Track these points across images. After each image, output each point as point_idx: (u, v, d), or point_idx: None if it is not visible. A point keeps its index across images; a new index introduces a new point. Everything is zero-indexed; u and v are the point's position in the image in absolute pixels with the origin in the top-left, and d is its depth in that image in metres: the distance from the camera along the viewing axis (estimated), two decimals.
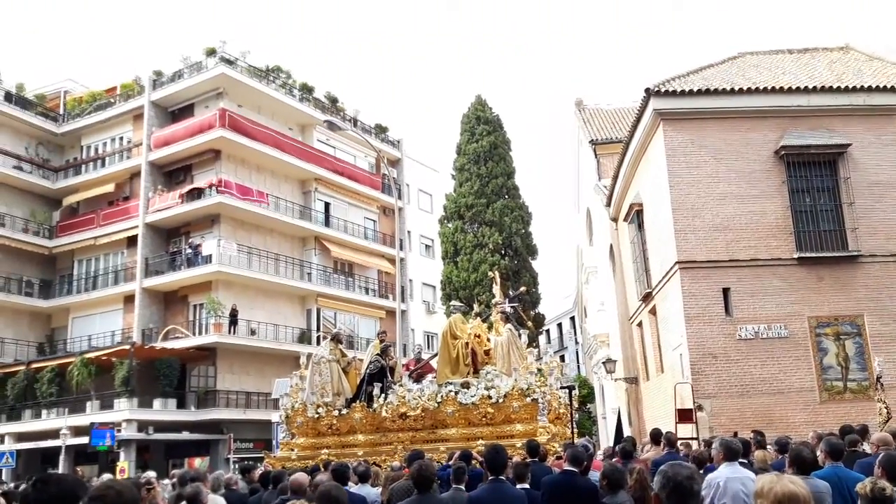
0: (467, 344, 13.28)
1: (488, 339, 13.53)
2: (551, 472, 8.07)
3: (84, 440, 25.37)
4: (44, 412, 29.80)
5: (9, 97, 34.37)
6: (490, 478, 6.41)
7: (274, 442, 20.42)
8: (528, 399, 12.05)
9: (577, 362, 49.67)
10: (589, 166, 29.81)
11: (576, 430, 13.75)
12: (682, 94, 17.98)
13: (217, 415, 29.12)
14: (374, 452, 12.16)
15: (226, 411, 29.35)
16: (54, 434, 26.50)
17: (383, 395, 13.25)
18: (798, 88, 18.01)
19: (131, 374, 27.86)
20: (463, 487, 7.00)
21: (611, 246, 26.89)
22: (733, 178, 17.63)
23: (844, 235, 17.48)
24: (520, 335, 13.66)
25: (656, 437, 10.31)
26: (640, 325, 23.13)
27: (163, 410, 28.63)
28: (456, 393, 12.48)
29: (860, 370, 16.62)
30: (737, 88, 18.04)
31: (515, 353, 12.84)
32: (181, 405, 29.55)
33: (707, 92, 18.00)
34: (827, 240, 17.50)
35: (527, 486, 7.12)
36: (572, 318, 50.71)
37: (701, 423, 15.91)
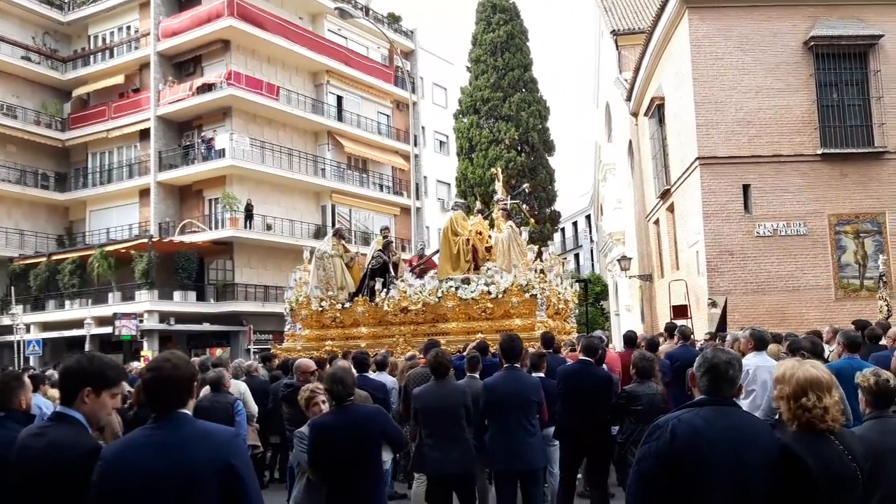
0: (468, 241, 13.34)
1: (490, 237, 13.54)
2: (565, 363, 8.17)
3: (107, 330, 26.04)
4: (67, 303, 30.51)
5: None
6: (505, 365, 6.47)
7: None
8: (527, 295, 12.19)
9: (592, 260, 49.93)
10: (609, 59, 28.94)
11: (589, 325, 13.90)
12: None
13: (236, 307, 29.69)
14: (377, 344, 12.44)
15: (244, 304, 29.91)
16: (78, 324, 27.18)
17: (385, 289, 13.44)
18: None
19: (151, 267, 28.25)
20: (477, 375, 7.11)
21: (630, 142, 26.46)
22: (759, 70, 17.07)
23: (871, 131, 17.06)
24: (521, 232, 13.64)
25: (671, 330, 10.39)
26: (656, 222, 23.03)
27: (183, 302, 29.20)
28: (456, 288, 12.67)
29: (878, 268, 16.54)
30: None
31: (516, 250, 12.90)
32: (200, 297, 30.10)
33: None
34: (852, 135, 17.09)
35: (542, 374, 7.22)
36: (588, 217, 50.60)
37: (714, 320, 16.03)
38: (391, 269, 14.15)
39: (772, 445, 2.98)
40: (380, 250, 14.40)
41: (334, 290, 14.04)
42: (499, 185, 15.34)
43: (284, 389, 7.56)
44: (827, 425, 2.96)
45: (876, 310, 14.95)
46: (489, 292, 12.42)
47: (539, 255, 13.76)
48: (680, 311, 19.10)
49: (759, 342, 6.70)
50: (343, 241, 15.09)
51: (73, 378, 3.08)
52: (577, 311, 15.31)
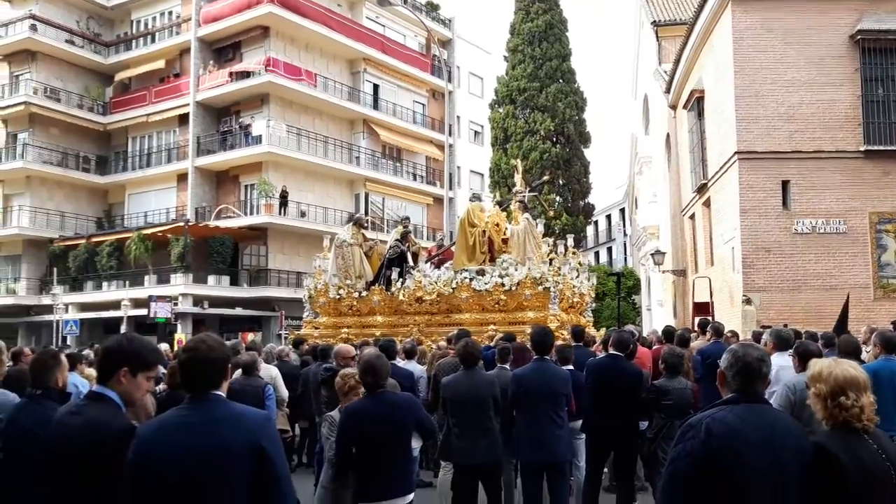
0: (484, 232, 13.35)
1: (506, 229, 13.52)
2: (595, 357, 8.14)
3: (143, 311, 26.51)
4: (104, 284, 31.12)
5: None
6: (535, 357, 6.46)
7: None
8: (541, 287, 12.16)
9: (625, 254, 49.49)
10: (649, 50, 28.59)
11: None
12: None
13: (269, 292, 30.02)
14: (392, 333, 12.51)
15: (277, 289, 30.22)
16: (115, 305, 27.73)
17: (401, 279, 13.51)
18: None
19: (186, 251, 28.68)
20: (508, 366, 7.11)
21: (667, 135, 26.15)
22: (802, 64, 16.72)
23: None
24: (536, 224, 13.60)
25: (703, 326, 10.28)
26: (692, 217, 22.75)
27: (217, 286, 29.60)
28: (471, 279, 12.70)
29: None
30: None
31: (531, 243, 12.87)
32: (234, 282, 30.50)
33: None
34: None
35: (571, 367, 7.19)
36: (622, 210, 50.14)
37: (748, 317, 15.82)
38: (409, 259, 14.23)
39: (806, 444, 2.95)
40: (398, 240, 14.49)
41: (352, 278, 14.18)
42: (518, 178, 15.32)
43: (325, 373, 7.62)
44: (863, 424, 2.93)
45: None
46: (503, 284, 12.44)
47: (554, 247, 13.70)
48: (702, 307, 18.87)
49: (783, 342, 6.57)
50: (362, 230, 15.19)
51: (112, 358, 3.15)
52: (593, 304, 15.22)
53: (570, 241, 14.45)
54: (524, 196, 14.48)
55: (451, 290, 12.83)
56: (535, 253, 12.82)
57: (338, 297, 14.04)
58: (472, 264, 13.07)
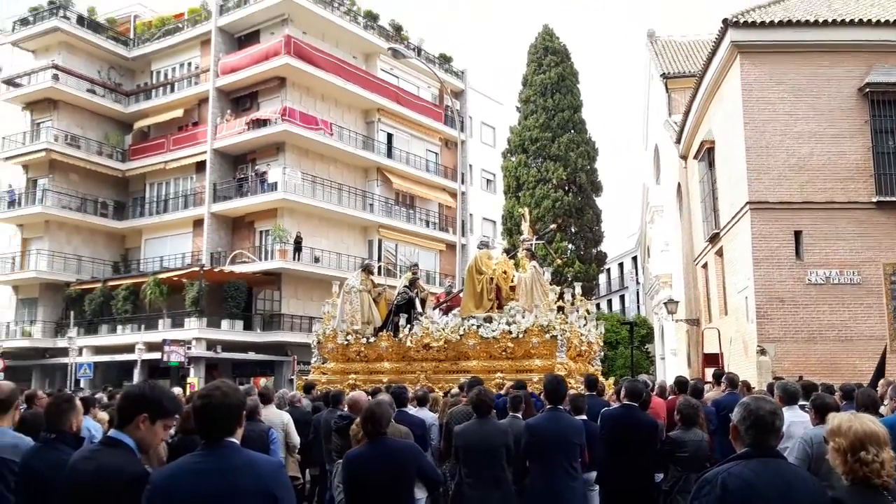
0: (492, 279, 13.38)
1: (514, 276, 13.57)
2: (608, 406, 8.08)
3: (157, 355, 26.54)
4: (119, 328, 31.24)
5: (81, 20, 34.94)
6: (548, 407, 6.43)
7: None
8: (548, 335, 12.15)
9: (638, 302, 49.24)
10: (659, 101, 28.91)
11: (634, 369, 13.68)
12: (762, 25, 17.11)
13: (281, 337, 30.02)
14: (400, 380, 12.49)
15: (290, 334, 30.22)
16: (129, 348, 27.80)
17: (409, 325, 13.54)
18: (887, 21, 16.96)
19: (201, 295, 28.84)
20: (520, 416, 7.07)
21: (678, 185, 26.26)
22: (812, 116, 16.86)
23: None
24: (544, 272, 13.63)
25: (718, 377, 10.19)
26: (704, 266, 22.70)
27: (230, 331, 29.65)
28: (478, 327, 12.72)
29: None
30: (821, 20, 17.07)
31: (538, 290, 12.89)
32: (247, 327, 30.54)
33: (788, 24, 17.09)
34: None
35: (584, 417, 7.14)
36: (634, 258, 50.06)
37: (763, 367, 15.67)
38: (418, 305, 14.27)
39: (823, 500, 2.92)
40: (406, 286, 14.54)
41: (360, 324, 14.21)
42: (525, 226, 15.44)
43: (340, 421, 7.58)
44: (882, 480, 2.90)
45: None
46: (510, 332, 12.45)
47: (560, 295, 13.73)
48: (712, 359, 18.69)
49: (790, 397, 6.44)
50: (371, 277, 15.28)
51: (133, 403, 3.18)
52: (601, 353, 15.16)
53: (578, 289, 14.46)
54: (532, 244, 14.57)
55: (458, 337, 12.85)
56: (543, 301, 12.83)
57: (346, 342, 14.07)
58: (480, 311, 13.11)
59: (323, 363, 14.63)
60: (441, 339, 13.00)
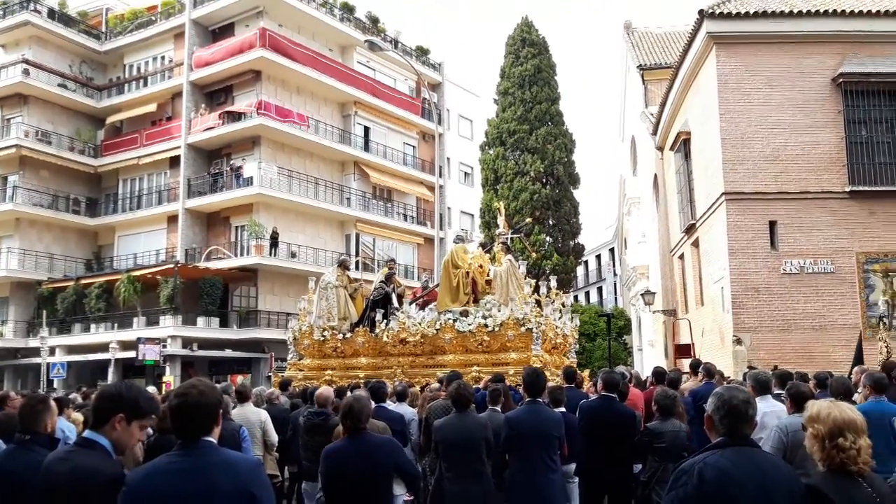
0: (468, 273, 13.44)
1: (490, 270, 13.63)
2: (587, 398, 8.11)
3: (131, 354, 26.25)
4: (93, 326, 30.86)
5: (52, 14, 34.34)
6: (527, 399, 6.44)
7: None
8: (523, 329, 12.23)
9: (615, 294, 49.59)
10: (636, 93, 29.05)
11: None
12: (738, 16, 17.24)
13: (258, 334, 29.83)
14: (376, 375, 12.57)
15: (267, 331, 30.04)
16: (103, 347, 27.45)
17: (385, 320, 13.54)
18: (860, 12, 17.16)
19: (176, 292, 28.55)
20: (499, 409, 7.07)
21: (655, 176, 26.42)
22: (786, 106, 17.03)
23: None
24: (519, 266, 13.70)
25: (695, 367, 10.27)
26: (681, 257, 22.88)
27: (206, 328, 29.40)
28: (454, 321, 12.78)
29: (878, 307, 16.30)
30: (795, 11, 17.24)
31: (514, 284, 12.96)
32: (224, 324, 30.31)
33: (764, 14, 17.22)
34: (882, 173, 16.93)
35: (563, 410, 7.16)
36: (611, 250, 50.41)
37: (739, 357, 15.84)
38: (395, 300, 14.27)
39: (798, 487, 2.96)
40: (382, 281, 14.55)
41: (336, 320, 14.19)
42: (501, 220, 15.52)
43: (314, 418, 7.49)
44: (858, 467, 2.94)
45: None
46: (486, 325, 12.51)
47: (536, 289, 13.79)
48: (683, 350, 18.87)
49: (762, 386, 6.45)
50: (347, 272, 15.26)
51: (109, 403, 3.14)
52: (576, 345, 15.27)
53: (554, 283, 14.53)
54: (507, 238, 14.62)
55: (434, 332, 12.90)
56: (518, 294, 12.90)
57: (322, 338, 14.05)
58: (456, 305, 13.15)
59: (299, 360, 14.60)
60: (417, 333, 13.04)
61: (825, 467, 2.99)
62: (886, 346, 13.58)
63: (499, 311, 12.53)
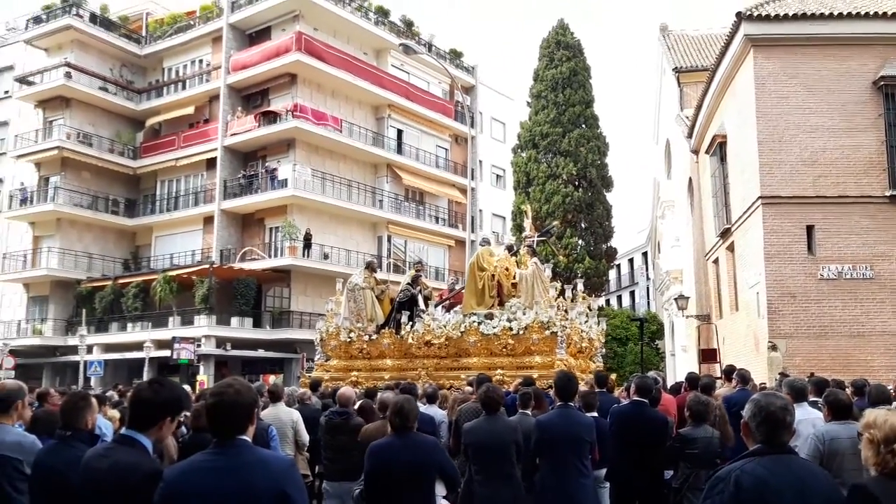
0: (493, 276, 13.42)
1: (516, 273, 13.59)
2: (618, 403, 8.06)
3: (166, 353, 26.67)
4: (129, 325, 31.41)
5: (94, 18, 35.09)
6: (558, 403, 6.41)
7: None
8: (548, 332, 12.16)
9: (648, 298, 49.12)
10: (671, 96, 28.78)
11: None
12: (776, 18, 17.00)
13: (291, 334, 30.10)
14: (401, 377, 12.63)
15: (299, 331, 30.29)
16: (138, 346, 27.93)
17: (411, 322, 13.56)
18: None
19: (210, 293, 28.94)
20: (529, 412, 7.05)
21: (690, 179, 26.14)
22: (825, 109, 16.74)
23: None
24: (545, 268, 13.67)
25: (729, 373, 10.14)
26: (715, 261, 22.59)
27: (240, 328, 29.75)
28: (479, 323, 12.77)
29: None
30: (835, 13, 16.95)
31: (539, 287, 12.90)
32: (257, 324, 30.64)
33: (803, 17, 16.97)
34: None
35: (595, 414, 7.12)
36: (644, 254, 49.94)
37: (774, 363, 15.60)
38: (421, 302, 14.31)
39: (837, 495, 2.93)
40: (409, 283, 14.60)
41: (364, 321, 14.27)
42: (527, 223, 15.50)
43: (334, 417, 7.49)
44: None
45: None
46: (510, 328, 12.47)
47: (562, 292, 13.71)
48: (709, 355, 18.57)
49: (798, 393, 6.34)
50: (374, 274, 15.34)
51: (154, 409, 3.21)
52: (603, 349, 15.15)
53: (580, 286, 14.42)
54: (533, 240, 14.58)
55: (459, 334, 12.92)
56: (543, 297, 12.85)
57: (348, 340, 14.15)
58: (481, 308, 13.16)
59: (326, 360, 14.71)
60: (442, 335, 13.09)
61: (878, 472, 2.97)
62: None
63: (524, 314, 12.50)
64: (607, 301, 44.60)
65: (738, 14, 17.23)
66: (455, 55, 40.19)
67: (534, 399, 7.37)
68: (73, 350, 29.02)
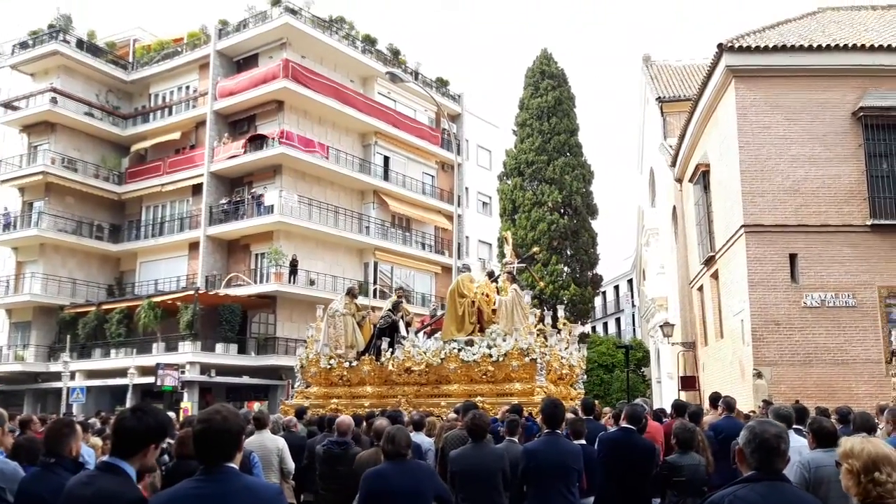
0: (473, 303, 13.43)
1: (496, 300, 13.62)
2: (606, 430, 8.06)
3: (150, 379, 26.39)
4: (112, 351, 31.07)
5: (80, 44, 35.16)
6: (546, 431, 6.41)
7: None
8: (527, 359, 12.16)
9: (633, 325, 49.23)
10: (654, 125, 29.10)
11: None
12: (757, 50, 17.28)
13: (276, 361, 29.89)
14: (381, 404, 12.61)
15: (284, 358, 30.09)
16: (122, 373, 27.64)
17: (391, 349, 13.57)
18: (881, 46, 17.12)
19: (195, 319, 28.73)
20: (516, 439, 7.04)
21: (674, 208, 26.35)
22: (806, 139, 16.97)
23: None
24: (525, 295, 13.70)
25: (714, 400, 10.17)
26: (700, 289, 22.72)
27: (224, 354, 29.52)
28: (459, 350, 12.76)
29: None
30: (815, 45, 17.23)
31: (519, 313, 12.92)
32: (242, 350, 30.42)
33: (783, 48, 17.25)
34: None
35: (583, 442, 7.12)
36: (630, 281, 50.13)
37: (759, 391, 15.64)
38: (402, 329, 14.29)
39: None
40: (389, 310, 14.59)
41: (344, 348, 14.22)
42: (508, 249, 15.56)
43: (333, 447, 7.35)
44: (894, 501, 2.93)
45: None
46: (490, 355, 12.46)
47: (542, 319, 13.75)
48: (689, 382, 18.56)
49: (783, 420, 6.30)
50: (355, 301, 15.31)
51: (139, 438, 3.18)
52: (584, 376, 15.14)
53: (561, 312, 14.45)
54: (513, 267, 14.64)
55: (439, 361, 12.88)
56: (523, 323, 12.85)
57: (328, 366, 14.09)
58: (461, 335, 13.15)
59: (307, 387, 14.61)
60: (422, 362, 13.06)
61: (861, 501, 2.97)
62: None
63: (503, 340, 12.50)
64: (593, 328, 44.67)
65: (720, 45, 17.51)
66: (441, 83, 40.55)
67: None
68: (56, 376, 28.66)
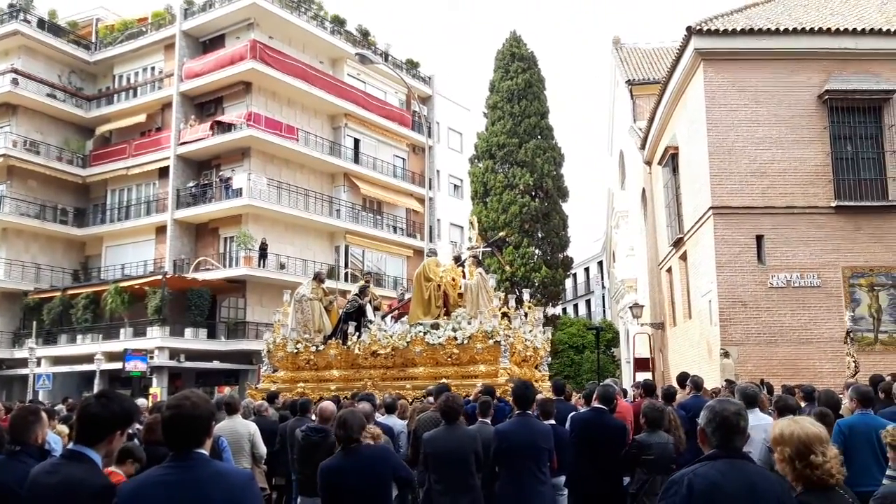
0: (439, 286, 13.49)
1: (462, 283, 13.71)
2: (576, 410, 8.14)
3: (117, 365, 26.05)
4: (79, 337, 30.63)
5: (41, 24, 34.29)
6: (517, 412, 6.45)
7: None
8: (491, 341, 12.29)
9: (604, 306, 49.71)
10: (624, 108, 29.26)
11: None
12: (725, 33, 17.42)
13: (246, 345, 29.68)
14: (348, 387, 12.69)
15: (254, 342, 29.82)
16: (89, 359, 27.25)
17: (358, 333, 13.65)
18: (846, 30, 17.36)
19: (163, 304, 28.40)
20: (489, 421, 7.08)
21: (643, 190, 26.57)
22: (773, 122, 17.19)
23: (885, 185, 17.07)
24: (489, 278, 13.83)
25: (682, 380, 10.32)
26: (669, 270, 22.98)
27: (194, 339, 29.25)
28: (425, 333, 12.85)
29: (893, 322, 16.44)
30: (782, 29, 17.42)
31: (484, 296, 13.03)
32: (211, 335, 30.16)
33: (751, 32, 17.41)
34: (867, 188, 17.09)
35: (552, 422, 7.18)
36: (600, 263, 50.57)
37: (726, 370, 15.91)
38: (369, 313, 14.32)
39: (788, 497, 2.96)
40: (356, 294, 14.62)
41: (311, 332, 14.23)
42: (474, 233, 15.61)
43: (311, 434, 7.20)
44: (836, 480, 2.95)
45: (893, 363, 14.80)
46: (455, 338, 12.56)
47: (505, 301, 13.87)
48: (642, 363, 18.79)
49: (749, 399, 6.40)
50: (322, 285, 15.29)
51: (105, 425, 3.15)
52: (549, 358, 15.30)
53: (526, 295, 14.55)
54: (479, 251, 14.69)
55: (405, 344, 12.96)
56: (487, 307, 12.96)
57: (295, 351, 14.07)
58: (428, 318, 13.22)
59: (273, 372, 14.58)
60: (389, 346, 13.11)
61: (802, 487, 2.97)
62: (854, 361, 13.71)
63: (468, 323, 12.60)
64: (564, 310, 45.00)
65: (688, 28, 17.61)
66: (412, 65, 40.29)
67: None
68: (21, 363, 28.19)
